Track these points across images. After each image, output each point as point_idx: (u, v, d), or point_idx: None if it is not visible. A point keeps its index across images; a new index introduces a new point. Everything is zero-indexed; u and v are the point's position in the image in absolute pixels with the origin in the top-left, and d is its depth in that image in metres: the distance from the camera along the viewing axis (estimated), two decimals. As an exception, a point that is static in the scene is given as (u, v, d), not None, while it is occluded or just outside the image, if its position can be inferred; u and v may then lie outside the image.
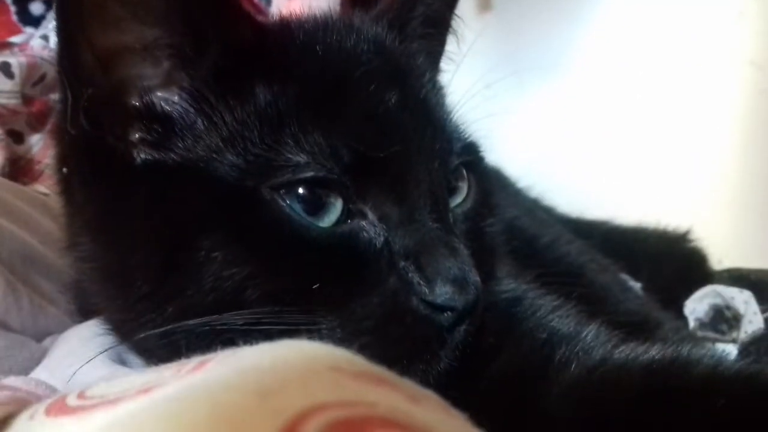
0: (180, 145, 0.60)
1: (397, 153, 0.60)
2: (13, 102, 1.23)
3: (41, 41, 1.35)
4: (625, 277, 1.25)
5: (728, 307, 1.15)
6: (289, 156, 0.57)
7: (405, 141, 0.61)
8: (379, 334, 0.57)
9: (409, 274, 0.57)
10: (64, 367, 0.66)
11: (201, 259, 0.56)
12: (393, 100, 0.63)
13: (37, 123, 1.28)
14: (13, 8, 1.40)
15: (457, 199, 0.69)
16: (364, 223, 0.59)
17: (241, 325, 0.55)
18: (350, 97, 0.62)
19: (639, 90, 1.72)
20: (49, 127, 1.25)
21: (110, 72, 0.59)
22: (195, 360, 0.41)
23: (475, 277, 0.58)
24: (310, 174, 0.57)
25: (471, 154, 0.72)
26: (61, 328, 0.83)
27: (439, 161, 0.64)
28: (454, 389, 0.54)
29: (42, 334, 0.85)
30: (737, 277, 1.34)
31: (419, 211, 0.60)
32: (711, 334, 1.14)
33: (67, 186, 0.67)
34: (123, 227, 0.60)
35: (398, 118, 0.63)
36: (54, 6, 0.58)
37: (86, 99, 0.58)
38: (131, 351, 0.67)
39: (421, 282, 0.57)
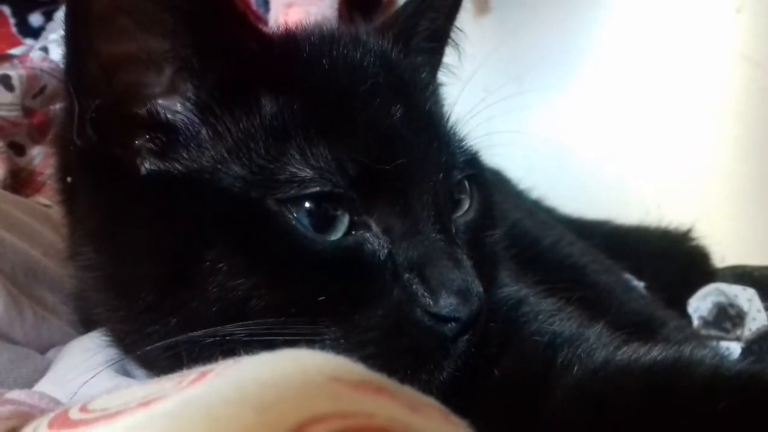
0: (185, 155, 0.60)
1: (402, 165, 0.60)
2: (13, 114, 1.23)
3: (41, 53, 1.36)
4: (628, 276, 1.25)
5: (732, 305, 1.15)
6: (295, 170, 0.57)
7: (410, 153, 0.61)
8: (383, 345, 0.57)
9: (413, 286, 0.58)
10: (68, 380, 0.66)
11: (206, 270, 0.56)
12: (398, 114, 0.63)
13: (38, 135, 1.29)
14: (12, 20, 1.41)
15: (460, 212, 0.69)
16: (368, 234, 0.59)
17: (246, 336, 0.55)
18: (356, 110, 0.62)
19: (638, 87, 1.71)
20: (50, 137, 1.26)
21: (114, 80, 0.59)
22: (196, 371, 0.42)
23: (478, 287, 0.58)
24: (315, 189, 0.57)
25: (473, 168, 0.72)
26: (65, 340, 0.83)
27: (443, 173, 0.64)
28: (457, 396, 0.54)
29: (46, 346, 0.85)
30: (740, 275, 1.33)
31: (423, 223, 0.60)
32: (715, 333, 1.14)
33: (69, 195, 0.67)
34: (127, 237, 0.60)
35: (403, 131, 0.63)
36: (64, 17, 0.57)
37: (94, 110, 0.59)
38: (133, 362, 0.67)
39: (426, 293, 0.57)
